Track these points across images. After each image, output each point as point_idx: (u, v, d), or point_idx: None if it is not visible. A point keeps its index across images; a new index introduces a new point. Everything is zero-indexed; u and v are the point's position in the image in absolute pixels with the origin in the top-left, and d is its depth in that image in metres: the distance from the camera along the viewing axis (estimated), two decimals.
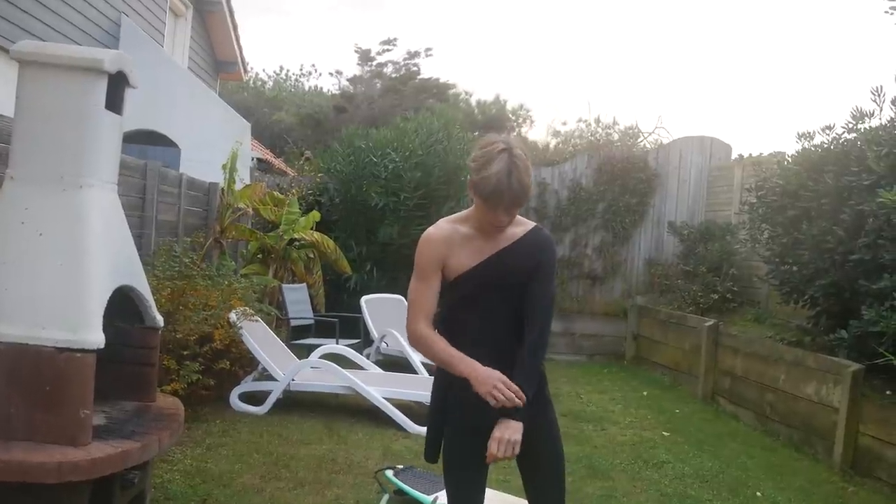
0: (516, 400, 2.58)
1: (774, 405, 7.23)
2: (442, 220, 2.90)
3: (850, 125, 6.99)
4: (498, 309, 2.80)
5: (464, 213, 2.88)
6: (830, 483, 5.95)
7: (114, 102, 4.09)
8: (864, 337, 6.15)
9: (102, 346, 3.68)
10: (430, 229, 2.86)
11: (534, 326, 2.76)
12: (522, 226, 2.85)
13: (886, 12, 6.51)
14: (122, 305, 4.23)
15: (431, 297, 2.80)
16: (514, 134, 25.96)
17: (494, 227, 2.75)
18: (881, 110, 6.71)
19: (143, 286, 4.45)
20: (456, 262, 2.79)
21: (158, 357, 4.74)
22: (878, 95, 6.65)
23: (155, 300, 4.71)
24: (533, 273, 2.78)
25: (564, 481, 2.95)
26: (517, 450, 2.64)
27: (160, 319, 4.60)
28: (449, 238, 2.80)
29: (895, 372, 5.77)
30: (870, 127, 6.81)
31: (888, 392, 6.11)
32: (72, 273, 3.74)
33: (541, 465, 2.89)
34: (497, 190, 2.61)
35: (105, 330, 3.73)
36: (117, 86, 4.14)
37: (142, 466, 3.98)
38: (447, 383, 2.82)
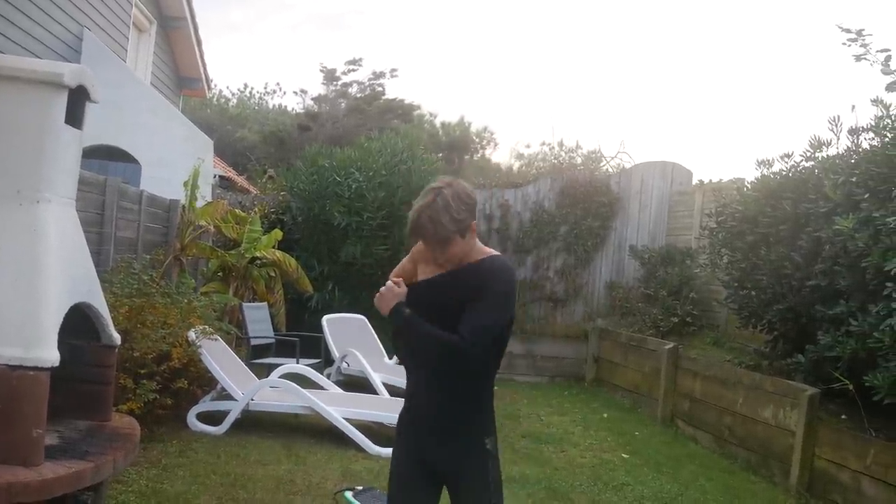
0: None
1: (732, 428, 7.29)
2: None
3: (808, 153, 7.11)
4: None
5: None
6: None
7: (74, 117, 4.05)
8: (820, 361, 6.23)
9: (57, 363, 3.63)
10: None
11: (465, 330, 2.66)
12: (480, 255, 2.82)
13: (844, 44, 6.65)
14: (78, 322, 4.17)
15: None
16: (479, 156, 26.10)
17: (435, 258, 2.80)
18: (838, 140, 6.84)
19: (100, 303, 4.39)
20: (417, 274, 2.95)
21: (115, 375, 4.67)
22: (836, 125, 6.77)
23: (112, 318, 4.65)
24: (473, 299, 2.70)
25: None
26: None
27: (117, 337, 4.54)
28: (423, 251, 2.89)
29: (851, 396, 5.85)
30: (827, 156, 6.93)
31: (843, 416, 6.20)
32: (27, 289, 3.68)
33: None
34: (412, 226, 2.72)
35: (60, 347, 3.67)
36: (77, 100, 4.10)
37: (95, 487, 3.91)
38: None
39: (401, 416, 2.96)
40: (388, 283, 2.83)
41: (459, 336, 2.63)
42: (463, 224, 2.68)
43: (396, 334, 3.03)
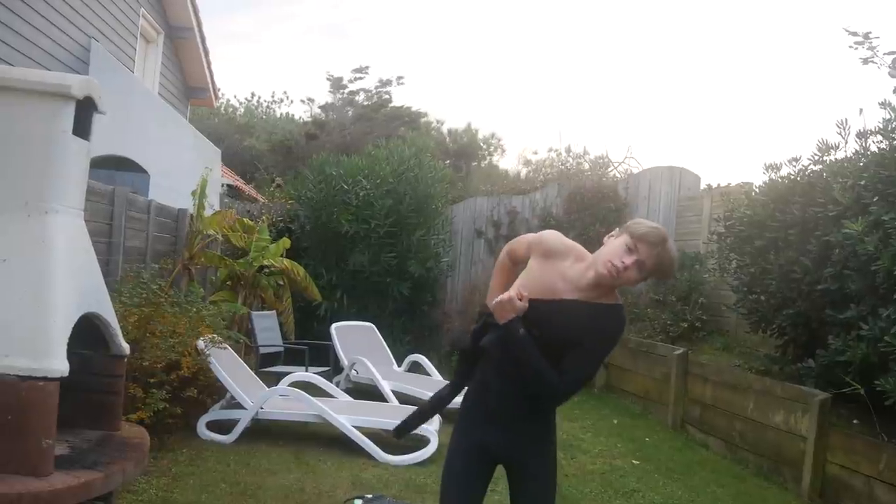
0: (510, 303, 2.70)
1: (743, 434, 7.26)
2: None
3: (816, 157, 7.09)
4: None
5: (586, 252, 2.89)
6: None
7: (81, 128, 4.06)
8: (831, 366, 6.20)
9: (66, 374, 3.63)
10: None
11: (567, 370, 2.73)
12: (609, 297, 2.80)
13: (851, 47, 6.64)
14: (87, 333, 4.17)
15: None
16: (486, 162, 26.10)
17: (608, 270, 2.69)
18: (846, 143, 6.83)
19: (109, 313, 4.40)
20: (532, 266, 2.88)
21: (124, 385, 4.68)
22: (844, 129, 6.76)
23: (122, 327, 4.65)
24: (576, 343, 2.73)
25: None
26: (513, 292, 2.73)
27: (126, 347, 4.54)
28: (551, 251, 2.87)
29: (862, 401, 5.81)
30: (835, 159, 6.91)
31: (855, 421, 6.16)
32: (36, 300, 3.69)
33: (523, 501, 2.97)
34: (670, 267, 2.76)
35: (69, 358, 3.68)
36: (85, 111, 4.12)
37: (105, 497, 3.91)
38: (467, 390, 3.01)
39: (469, 404, 2.98)
40: (513, 293, 2.73)
41: (559, 377, 2.70)
42: (667, 277, 2.87)
43: (478, 335, 2.90)
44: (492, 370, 2.89)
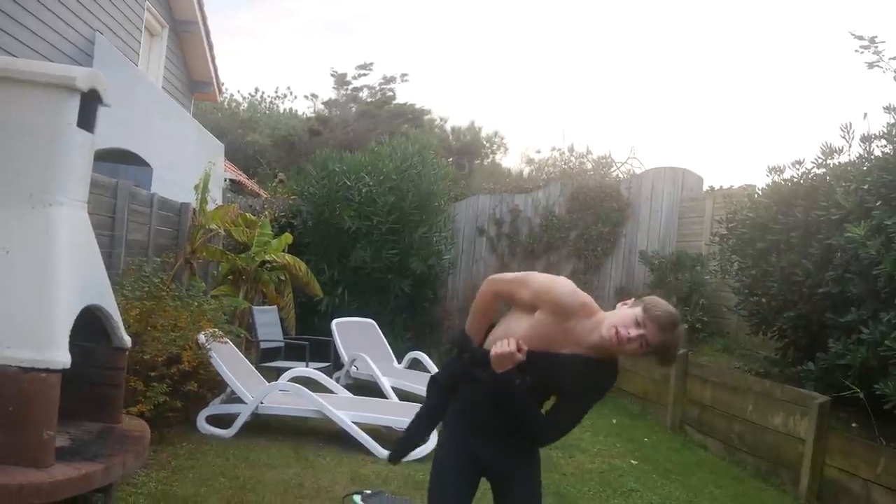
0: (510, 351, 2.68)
1: (742, 435, 7.26)
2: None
3: (820, 160, 7.09)
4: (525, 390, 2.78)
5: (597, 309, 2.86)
6: None
7: (86, 120, 4.06)
8: (830, 369, 6.21)
9: (68, 365, 3.64)
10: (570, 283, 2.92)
11: (557, 420, 2.85)
12: (605, 352, 2.81)
13: (857, 51, 6.64)
14: (89, 325, 4.18)
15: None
16: (489, 161, 26.07)
17: (611, 337, 2.69)
18: (850, 147, 6.83)
19: (111, 306, 4.41)
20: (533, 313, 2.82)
21: (125, 378, 4.68)
22: (848, 132, 6.76)
23: (123, 320, 4.66)
24: (568, 394, 2.84)
25: None
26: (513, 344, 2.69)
27: (128, 340, 4.55)
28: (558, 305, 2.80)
29: (861, 405, 5.82)
30: (839, 163, 6.91)
31: (854, 424, 6.17)
32: (38, 292, 3.70)
33: None
34: (674, 352, 2.77)
35: (71, 350, 3.68)
36: (90, 103, 4.12)
37: (105, 489, 3.92)
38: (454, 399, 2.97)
39: (455, 416, 2.97)
40: (513, 343, 2.70)
41: (548, 424, 2.82)
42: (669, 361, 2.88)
43: (474, 365, 2.88)
44: (479, 389, 2.87)
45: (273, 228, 10.49)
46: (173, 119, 11.34)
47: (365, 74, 24.84)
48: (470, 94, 49.35)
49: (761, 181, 8.39)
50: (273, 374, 8.09)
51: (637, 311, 2.71)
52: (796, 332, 7.22)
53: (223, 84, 15.63)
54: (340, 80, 24.96)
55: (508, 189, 12.90)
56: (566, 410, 2.85)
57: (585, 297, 2.85)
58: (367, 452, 6.54)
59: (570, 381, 2.78)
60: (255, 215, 10.79)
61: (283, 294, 10.25)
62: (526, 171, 22.42)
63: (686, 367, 8.55)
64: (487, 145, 27.02)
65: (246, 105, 30.21)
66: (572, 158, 13.96)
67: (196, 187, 8.88)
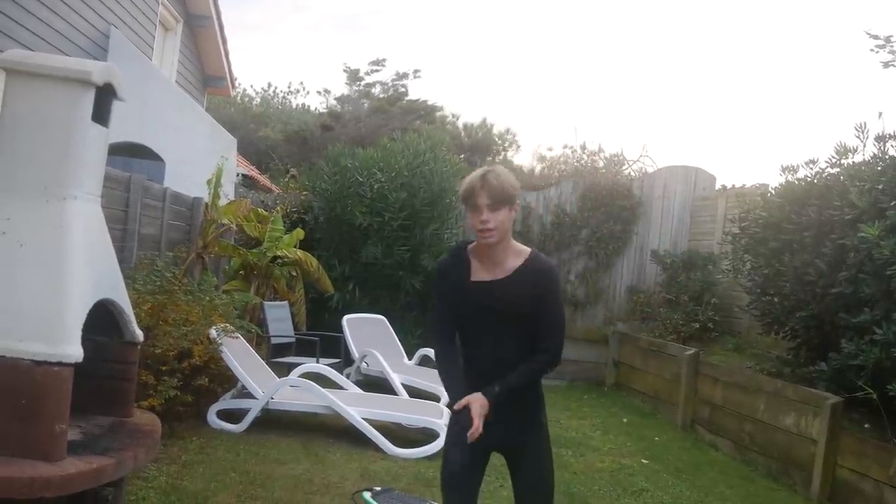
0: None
1: (753, 435, 7.24)
2: (454, 247, 3.18)
3: (834, 160, 7.05)
4: (507, 336, 3.01)
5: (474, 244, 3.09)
6: None
7: (100, 114, 4.07)
8: (843, 370, 6.18)
9: (80, 359, 3.64)
10: (440, 260, 3.20)
11: (547, 345, 3.00)
12: (520, 256, 3.02)
13: (872, 50, 6.60)
14: (101, 319, 4.19)
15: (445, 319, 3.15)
16: (501, 158, 26.07)
17: (482, 235, 2.92)
18: (864, 146, 6.78)
19: (123, 300, 4.42)
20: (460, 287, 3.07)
21: (136, 372, 4.69)
22: (862, 132, 6.71)
23: (135, 314, 4.67)
24: (536, 300, 2.95)
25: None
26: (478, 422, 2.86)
27: (140, 334, 4.56)
28: (455, 267, 3.11)
29: (874, 405, 5.79)
30: (853, 162, 6.87)
31: (867, 425, 6.14)
32: (52, 285, 3.70)
33: (524, 485, 3.12)
34: (470, 186, 2.92)
35: (83, 343, 3.69)
36: (105, 98, 4.12)
37: (116, 483, 3.93)
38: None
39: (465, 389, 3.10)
40: (475, 422, 2.86)
41: (545, 346, 3.00)
42: (514, 196, 2.94)
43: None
44: (484, 358, 3.03)
45: (285, 224, 10.50)
46: (186, 113, 11.37)
47: (377, 70, 24.85)
48: (482, 91, 49.33)
49: (774, 180, 8.37)
50: (284, 370, 8.10)
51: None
52: (809, 332, 7.19)
53: (236, 79, 15.67)
54: (353, 76, 24.97)
55: (520, 186, 12.88)
56: (544, 320, 3.00)
57: None
58: (377, 449, 6.55)
59: (522, 290, 2.97)
60: (267, 210, 10.80)
61: (294, 290, 10.26)
62: (538, 168, 22.36)
63: (697, 367, 8.53)
64: (499, 142, 27.02)
65: (258, 100, 30.28)
66: (584, 156, 13.90)
67: (208, 182, 8.89)
